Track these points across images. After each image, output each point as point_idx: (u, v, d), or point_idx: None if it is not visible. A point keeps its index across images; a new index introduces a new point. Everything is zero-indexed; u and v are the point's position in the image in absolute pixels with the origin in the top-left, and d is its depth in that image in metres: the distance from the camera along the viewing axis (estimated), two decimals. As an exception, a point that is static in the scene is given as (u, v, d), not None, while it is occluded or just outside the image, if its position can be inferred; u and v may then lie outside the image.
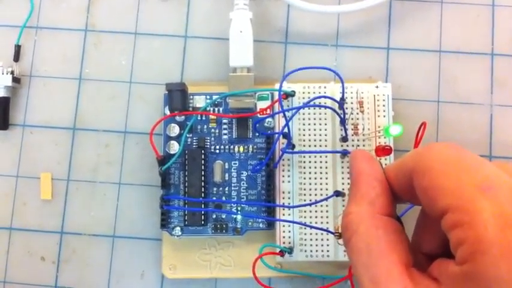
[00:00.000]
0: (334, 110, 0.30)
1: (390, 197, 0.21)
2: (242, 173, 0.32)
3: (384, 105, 0.32)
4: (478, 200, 0.17)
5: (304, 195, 0.31)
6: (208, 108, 0.33)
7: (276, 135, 0.31)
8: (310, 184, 0.31)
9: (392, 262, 0.19)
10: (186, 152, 0.32)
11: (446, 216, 0.17)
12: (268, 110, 0.32)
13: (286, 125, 0.29)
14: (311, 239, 0.31)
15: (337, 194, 0.30)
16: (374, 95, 0.32)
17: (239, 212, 0.32)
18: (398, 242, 0.19)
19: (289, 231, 0.31)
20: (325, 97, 0.31)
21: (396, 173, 0.21)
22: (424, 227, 0.21)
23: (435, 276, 0.18)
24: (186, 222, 0.31)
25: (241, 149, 0.32)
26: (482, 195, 0.17)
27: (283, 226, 0.31)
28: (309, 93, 0.32)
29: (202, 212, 0.31)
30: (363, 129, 0.31)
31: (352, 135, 0.31)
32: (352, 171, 0.22)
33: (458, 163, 0.18)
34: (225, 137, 0.33)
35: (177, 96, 0.31)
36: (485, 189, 0.17)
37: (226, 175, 0.32)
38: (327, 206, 0.31)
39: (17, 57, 0.35)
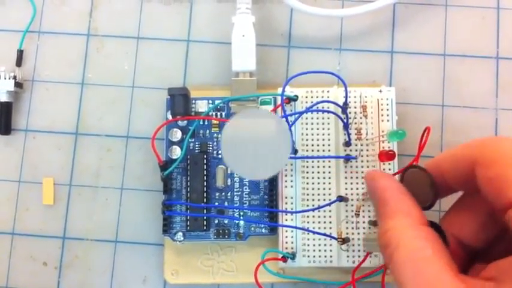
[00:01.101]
0: (337, 115, 0.30)
1: (420, 208, 0.21)
2: (244, 178, 0.32)
3: (387, 110, 0.31)
4: None
5: (307, 200, 0.31)
6: (210, 113, 0.32)
7: (279, 140, 0.31)
8: (313, 189, 0.31)
9: (442, 269, 0.18)
10: (188, 156, 0.32)
11: None
12: (271, 114, 0.31)
13: (289, 129, 0.29)
14: (314, 245, 0.30)
15: (340, 199, 0.30)
16: (378, 99, 0.31)
17: (241, 217, 0.32)
18: (442, 249, 0.19)
19: (292, 237, 0.31)
20: (328, 102, 0.31)
21: (452, 163, 0.21)
22: (467, 211, 0.21)
23: (492, 276, 0.18)
24: (188, 228, 0.31)
25: (244, 153, 0.32)
26: None
27: (286, 231, 0.31)
28: (311, 97, 0.32)
29: (205, 218, 0.31)
30: (367, 133, 0.31)
31: (356, 140, 0.31)
32: (374, 190, 0.22)
33: None
34: (227, 141, 0.32)
35: (179, 101, 0.31)
36: None
37: (229, 180, 0.32)
38: (330, 211, 0.31)
39: (19, 62, 0.35)
